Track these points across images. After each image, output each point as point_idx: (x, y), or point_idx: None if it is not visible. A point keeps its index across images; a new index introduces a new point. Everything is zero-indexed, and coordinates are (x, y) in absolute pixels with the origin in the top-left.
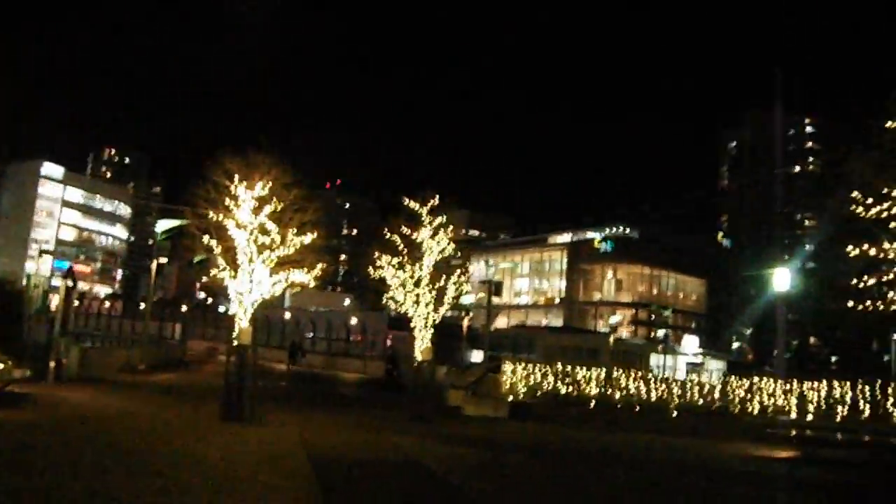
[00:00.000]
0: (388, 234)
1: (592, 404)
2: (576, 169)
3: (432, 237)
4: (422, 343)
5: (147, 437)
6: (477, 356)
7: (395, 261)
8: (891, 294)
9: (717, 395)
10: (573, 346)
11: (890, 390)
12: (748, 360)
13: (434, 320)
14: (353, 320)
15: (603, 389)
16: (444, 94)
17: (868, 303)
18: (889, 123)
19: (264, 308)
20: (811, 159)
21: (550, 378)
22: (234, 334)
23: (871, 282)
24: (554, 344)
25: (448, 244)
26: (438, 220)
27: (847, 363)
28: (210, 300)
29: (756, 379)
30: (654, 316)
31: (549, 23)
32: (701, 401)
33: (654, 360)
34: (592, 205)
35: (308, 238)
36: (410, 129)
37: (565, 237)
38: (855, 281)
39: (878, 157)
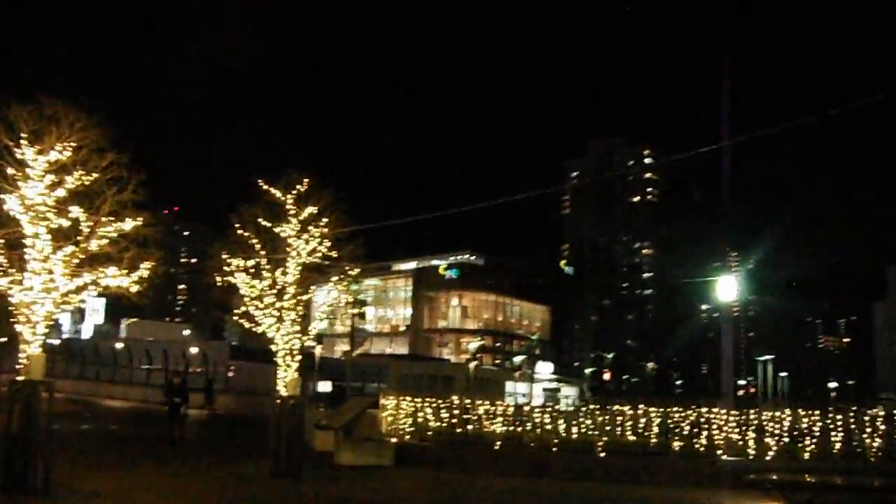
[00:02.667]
0: (239, 229)
1: (498, 444)
2: (420, 195)
3: (300, 234)
4: (286, 374)
5: None
6: (325, 387)
7: (250, 263)
8: None
9: (654, 429)
10: (427, 374)
11: (867, 419)
12: (605, 385)
13: (303, 344)
14: (194, 349)
15: (510, 427)
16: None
17: None
18: None
19: (102, 337)
20: (650, 189)
21: (444, 413)
22: (20, 366)
23: None
24: (406, 373)
25: (320, 243)
26: (308, 211)
27: (691, 386)
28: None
29: (704, 410)
30: (499, 343)
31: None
32: (632, 437)
33: (511, 387)
34: (437, 232)
35: (128, 224)
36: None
37: (410, 264)
38: None
39: None
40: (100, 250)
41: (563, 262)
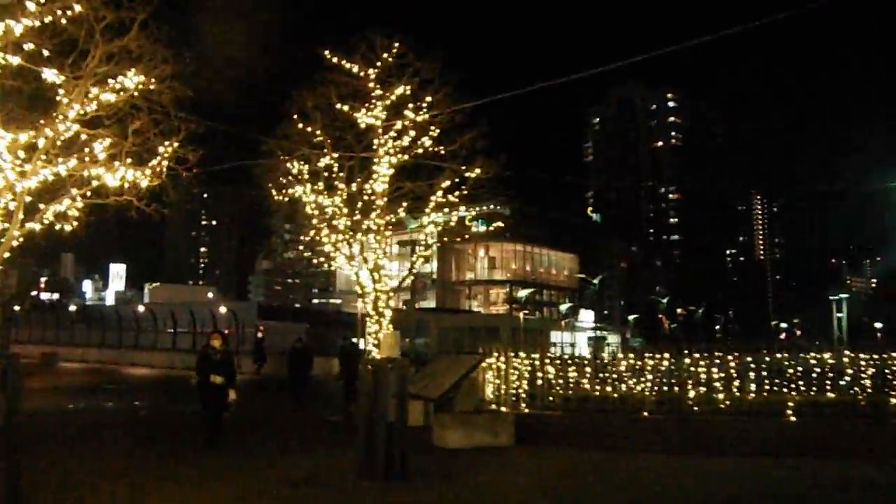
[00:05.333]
0: (300, 123)
1: (645, 413)
2: None
3: (386, 125)
4: (374, 327)
5: None
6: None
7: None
8: None
9: (867, 383)
10: (470, 326)
11: None
12: (666, 331)
13: (407, 280)
14: (222, 309)
15: (662, 387)
16: None
17: None
18: None
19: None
20: (673, 133)
21: (573, 373)
22: None
23: None
24: (449, 325)
25: (428, 135)
26: (401, 88)
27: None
28: (57, 297)
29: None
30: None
31: None
32: (831, 394)
33: (556, 336)
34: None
35: (130, 82)
36: None
37: (436, 216)
38: None
39: None
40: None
41: (589, 210)
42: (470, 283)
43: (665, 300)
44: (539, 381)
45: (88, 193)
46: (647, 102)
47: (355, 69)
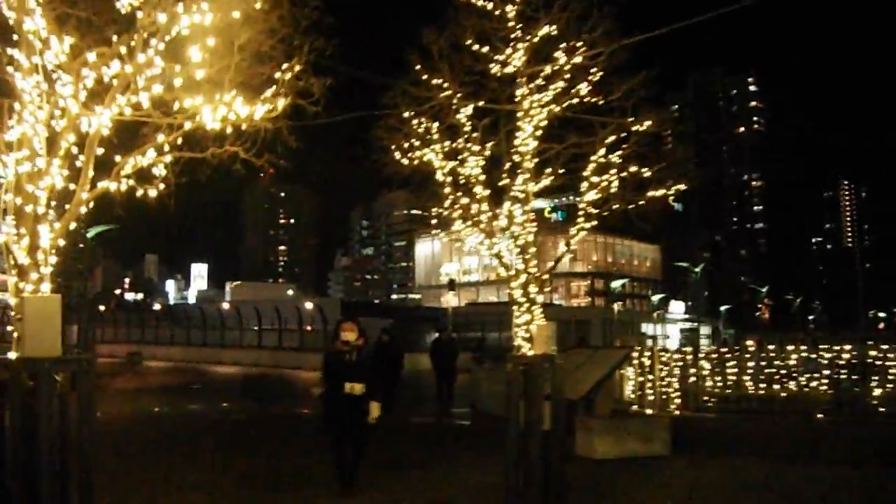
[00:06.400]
0: (423, 73)
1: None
2: None
3: (529, 73)
4: (523, 317)
5: None
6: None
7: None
8: None
9: None
10: (560, 318)
11: None
12: (766, 321)
13: (557, 262)
14: (308, 305)
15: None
16: None
17: None
18: None
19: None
20: (755, 118)
21: (731, 369)
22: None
23: None
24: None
25: (588, 79)
26: (546, 27)
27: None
28: (141, 297)
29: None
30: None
31: None
32: None
33: (646, 328)
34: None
35: None
36: None
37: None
38: None
39: None
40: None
41: (670, 198)
42: (550, 275)
43: (765, 289)
44: (692, 379)
45: (179, 141)
46: (728, 88)
47: (489, 6)
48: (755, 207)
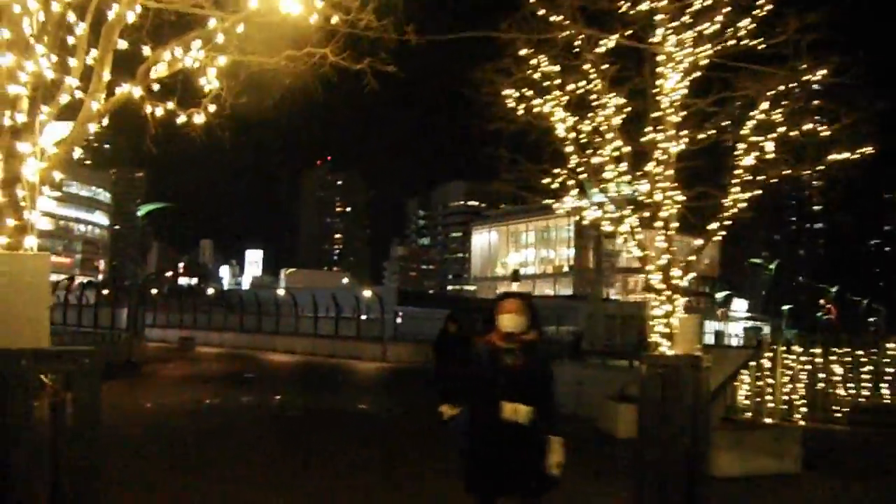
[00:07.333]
0: (544, 9)
1: None
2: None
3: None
4: (672, 313)
5: None
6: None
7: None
8: None
9: None
10: (621, 314)
11: None
12: (833, 323)
13: (704, 245)
14: (367, 293)
15: None
16: None
17: None
18: None
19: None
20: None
21: (867, 374)
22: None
23: None
24: (598, 312)
25: (751, 14)
26: None
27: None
28: (195, 282)
29: None
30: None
31: None
32: None
33: (708, 326)
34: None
35: None
36: None
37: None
38: None
39: None
40: None
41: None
42: (608, 270)
43: (834, 289)
44: (820, 385)
45: (239, 31)
46: None
47: None
48: (814, 207)
